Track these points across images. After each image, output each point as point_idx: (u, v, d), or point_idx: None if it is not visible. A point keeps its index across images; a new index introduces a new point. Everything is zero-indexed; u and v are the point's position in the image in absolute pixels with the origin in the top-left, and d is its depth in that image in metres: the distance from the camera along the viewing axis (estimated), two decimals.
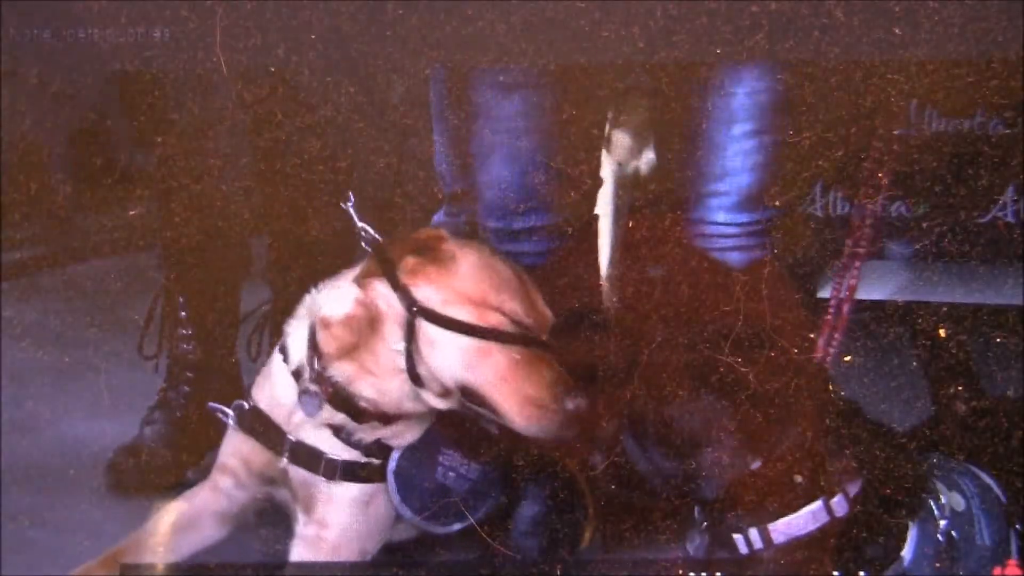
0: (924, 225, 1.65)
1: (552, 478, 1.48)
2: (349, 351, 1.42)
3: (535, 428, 1.38)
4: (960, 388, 1.60)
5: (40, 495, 1.69)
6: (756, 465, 1.35)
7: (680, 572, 1.40)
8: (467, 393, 1.39)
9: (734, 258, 1.58)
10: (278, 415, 1.48)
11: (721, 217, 1.57)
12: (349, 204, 1.45)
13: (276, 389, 1.49)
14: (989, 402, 1.59)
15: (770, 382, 1.35)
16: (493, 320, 1.39)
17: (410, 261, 1.41)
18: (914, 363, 1.65)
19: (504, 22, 1.36)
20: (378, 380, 1.42)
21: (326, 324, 1.43)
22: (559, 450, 1.46)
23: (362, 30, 1.38)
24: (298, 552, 1.46)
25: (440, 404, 1.42)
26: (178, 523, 1.54)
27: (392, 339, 1.40)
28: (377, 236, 1.43)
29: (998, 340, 1.64)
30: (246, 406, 1.50)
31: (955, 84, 1.43)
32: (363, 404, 1.43)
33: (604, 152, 1.72)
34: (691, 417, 1.37)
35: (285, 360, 1.48)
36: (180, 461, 1.82)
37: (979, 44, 1.33)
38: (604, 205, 1.75)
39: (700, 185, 1.57)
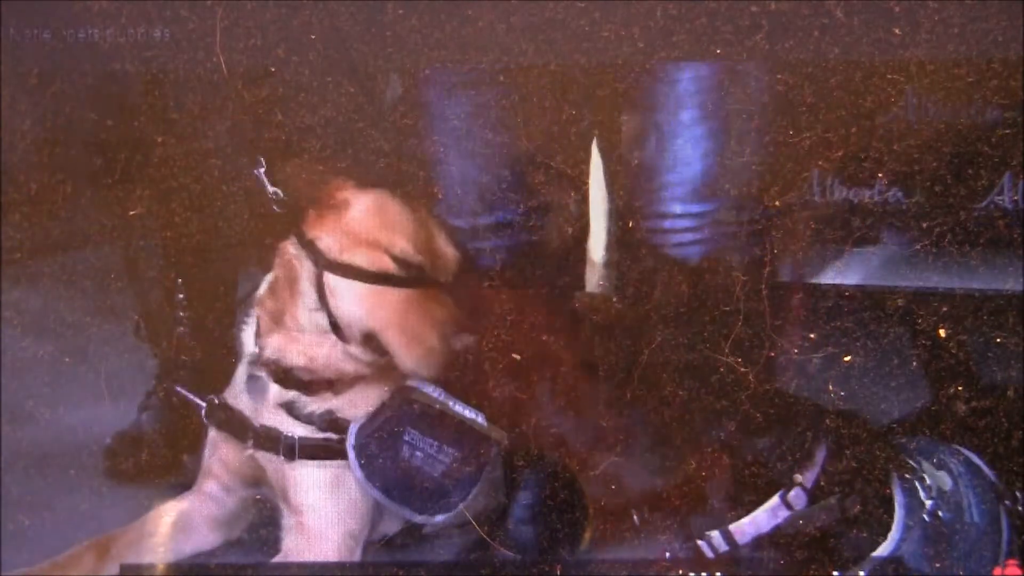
0: (924, 225, 1.65)
1: (552, 478, 1.48)
2: (277, 320, 1.43)
3: (421, 365, 1.40)
4: (960, 388, 1.60)
5: (38, 491, 1.69)
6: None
7: (680, 572, 1.40)
8: (369, 339, 1.40)
9: (694, 252, 1.56)
10: (244, 406, 1.49)
11: (677, 208, 1.55)
12: (260, 170, 1.46)
13: (238, 383, 1.51)
14: (989, 402, 1.59)
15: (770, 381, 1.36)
16: (383, 262, 1.39)
17: (311, 214, 1.42)
18: (914, 363, 1.65)
19: (504, 22, 1.36)
20: (306, 345, 1.43)
21: (260, 302, 1.46)
22: (559, 450, 1.46)
23: (362, 30, 1.38)
24: (285, 544, 1.46)
25: (370, 358, 1.42)
26: (173, 524, 1.54)
27: (308, 299, 1.42)
28: (284, 197, 1.44)
29: (998, 340, 1.64)
30: (216, 400, 1.51)
31: (955, 84, 1.43)
32: (303, 375, 1.43)
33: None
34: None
35: (242, 354, 1.50)
36: (177, 449, 1.83)
37: (979, 44, 1.33)
38: (600, 203, 1.76)
39: (653, 177, 1.56)
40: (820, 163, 1.57)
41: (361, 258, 1.39)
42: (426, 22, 1.37)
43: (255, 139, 1.71)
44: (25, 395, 1.78)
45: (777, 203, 1.58)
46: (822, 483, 1.36)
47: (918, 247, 1.67)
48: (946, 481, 1.42)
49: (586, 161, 1.61)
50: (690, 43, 1.35)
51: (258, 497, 1.54)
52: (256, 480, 1.52)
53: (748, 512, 1.36)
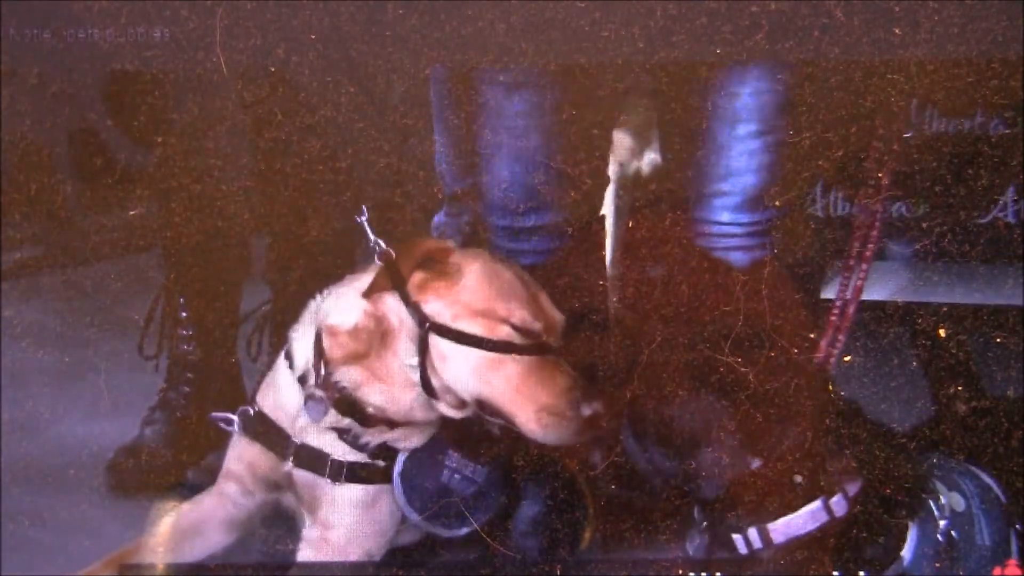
0: (924, 225, 1.65)
1: (552, 478, 1.48)
2: (357, 358, 1.42)
3: (553, 436, 1.38)
4: (960, 388, 1.60)
5: (40, 495, 1.69)
6: (756, 464, 1.35)
7: (680, 572, 1.40)
8: (483, 405, 1.40)
9: (737, 258, 1.58)
10: (282, 420, 1.48)
11: (725, 217, 1.57)
12: (363, 218, 1.45)
13: (281, 395, 1.49)
14: (989, 402, 1.59)
15: (770, 382, 1.35)
16: (502, 331, 1.38)
17: (418, 276, 1.41)
18: (914, 363, 1.65)
19: (504, 22, 1.36)
20: (388, 388, 1.42)
21: (333, 332, 1.43)
22: (559, 450, 1.46)
23: (362, 30, 1.38)
24: (304, 555, 1.46)
25: (455, 414, 1.42)
26: (185, 529, 1.54)
27: (405, 353, 1.41)
28: (389, 250, 1.43)
29: (998, 340, 1.64)
30: (251, 412, 1.50)
31: (955, 84, 1.43)
32: (370, 410, 1.43)
33: (610, 151, 1.73)
34: (690, 417, 1.37)
35: (291, 366, 1.48)
36: (180, 461, 1.82)
37: (979, 44, 1.33)
38: (606, 205, 1.76)
39: (704, 185, 1.58)
40: (820, 163, 1.57)
41: (479, 327, 1.38)
42: (426, 22, 1.37)
43: (255, 139, 1.72)
44: (25, 396, 1.78)
45: (777, 203, 1.58)
46: (865, 492, 1.37)
47: (918, 246, 1.67)
48: (959, 502, 1.42)
49: (586, 161, 1.61)
50: (690, 43, 1.35)
51: (278, 498, 1.54)
52: (278, 486, 1.52)
53: (787, 513, 1.35)
